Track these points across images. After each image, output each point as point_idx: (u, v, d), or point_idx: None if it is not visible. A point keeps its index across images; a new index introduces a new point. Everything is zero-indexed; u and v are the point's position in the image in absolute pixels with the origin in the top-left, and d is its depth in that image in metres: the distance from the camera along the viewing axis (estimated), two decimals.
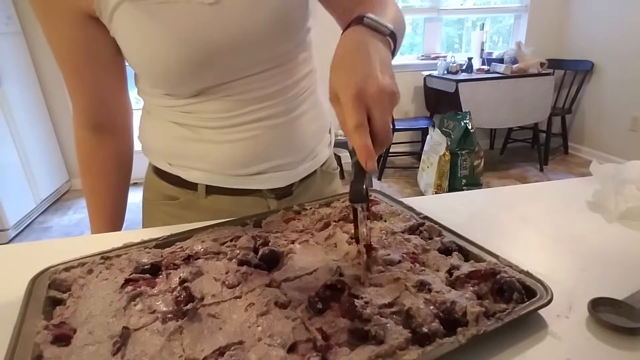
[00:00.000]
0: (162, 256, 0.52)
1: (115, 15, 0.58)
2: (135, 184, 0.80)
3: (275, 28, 0.62)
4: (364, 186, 0.43)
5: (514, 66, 3.35)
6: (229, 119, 0.66)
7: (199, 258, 0.51)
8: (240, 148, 0.67)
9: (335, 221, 0.59)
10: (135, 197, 0.83)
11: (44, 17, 0.61)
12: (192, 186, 0.71)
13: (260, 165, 0.69)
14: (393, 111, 0.46)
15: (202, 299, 0.43)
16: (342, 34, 0.52)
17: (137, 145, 0.77)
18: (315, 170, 0.77)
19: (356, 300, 0.41)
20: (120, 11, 0.57)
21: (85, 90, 0.69)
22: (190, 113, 0.66)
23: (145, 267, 0.49)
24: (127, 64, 0.68)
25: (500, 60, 3.55)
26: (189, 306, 0.41)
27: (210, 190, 0.70)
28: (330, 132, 0.82)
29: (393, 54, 0.54)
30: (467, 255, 0.51)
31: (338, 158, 3.61)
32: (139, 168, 0.79)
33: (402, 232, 0.56)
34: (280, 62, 0.66)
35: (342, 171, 3.59)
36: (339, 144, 3.34)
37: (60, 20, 0.61)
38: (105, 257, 0.52)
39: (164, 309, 0.42)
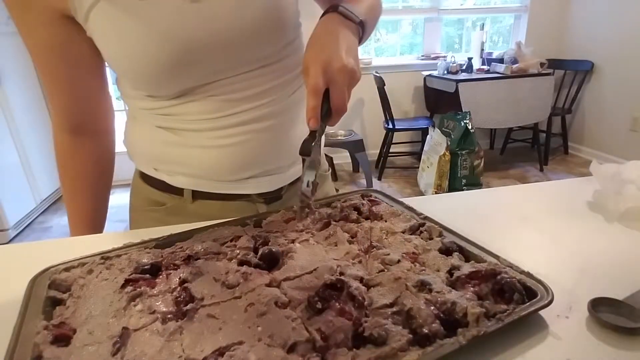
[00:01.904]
0: (162, 256, 0.52)
1: (91, 15, 0.57)
2: (128, 185, 0.79)
3: (262, 27, 0.61)
4: (313, 143, 0.52)
5: (514, 66, 3.35)
6: (214, 121, 0.64)
7: (199, 258, 0.51)
8: (228, 154, 0.65)
9: (335, 221, 0.59)
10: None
11: (18, 16, 0.60)
12: (178, 191, 0.69)
13: (249, 171, 0.67)
14: (352, 87, 0.54)
15: (202, 299, 0.43)
16: (319, 19, 0.60)
17: (123, 148, 0.75)
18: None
19: (355, 299, 0.41)
20: (97, 10, 0.56)
21: (62, 91, 0.68)
22: (174, 115, 0.65)
23: (145, 267, 0.49)
24: (107, 65, 0.66)
25: (500, 60, 3.55)
26: (188, 306, 0.41)
27: (197, 195, 0.69)
28: None
29: (362, 39, 0.63)
30: (467, 256, 0.51)
31: (330, 159, 3.60)
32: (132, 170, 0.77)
33: (403, 232, 0.56)
34: (268, 62, 0.65)
35: (334, 173, 3.58)
36: (331, 145, 3.35)
37: (35, 20, 0.60)
38: (105, 257, 0.52)
39: (164, 309, 0.42)
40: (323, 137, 0.78)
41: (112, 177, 0.80)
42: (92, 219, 0.77)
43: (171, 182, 0.69)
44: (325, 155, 0.85)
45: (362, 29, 0.61)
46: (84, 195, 0.76)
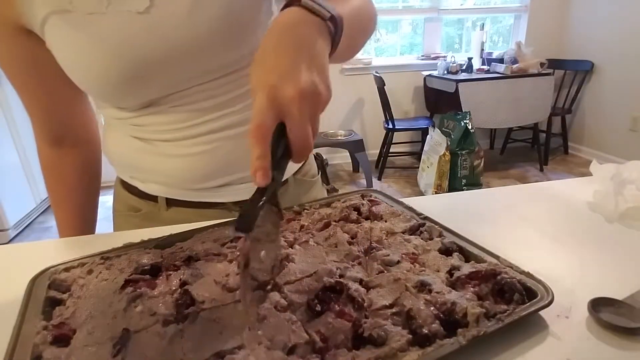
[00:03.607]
0: (162, 257, 0.52)
1: (45, 29, 0.56)
2: None
3: (218, 36, 0.58)
4: (260, 203, 0.32)
5: (514, 66, 3.35)
6: (181, 131, 0.63)
7: (199, 259, 0.51)
8: (197, 161, 0.64)
9: (335, 221, 0.59)
10: None
11: None
12: (153, 198, 0.69)
13: (221, 179, 0.66)
14: (319, 115, 0.39)
15: (202, 302, 0.43)
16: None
17: None
18: (287, 180, 0.72)
19: (355, 300, 0.41)
20: (50, 25, 0.55)
21: (36, 103, 0.67)
22: (142, 126, 0.64)
23: (145, 267, 0.49)
24: None
25: (500, 60, 3.55)
26: (189, 310, 0.41)
27: (171, 202, 0.68)
28: None
29: (336, 43, 0.46)
30: (467, 256, 0.51)
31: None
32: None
33: (403, 233, 0.56)
34: (233, 69, 0.62)
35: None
36: (331, 145, 3.34)
37: None
38: (105, 257, 0.52)
39: (165, 311, 0.42)
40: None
41: (100, 185, 0.80)
42: (81, 226, 0.77)
43: (144, 189, 0.69)
44: (317, 156, 0.82)
45: (335, 29, 0.44)
46: (70, 206, 0.76)
